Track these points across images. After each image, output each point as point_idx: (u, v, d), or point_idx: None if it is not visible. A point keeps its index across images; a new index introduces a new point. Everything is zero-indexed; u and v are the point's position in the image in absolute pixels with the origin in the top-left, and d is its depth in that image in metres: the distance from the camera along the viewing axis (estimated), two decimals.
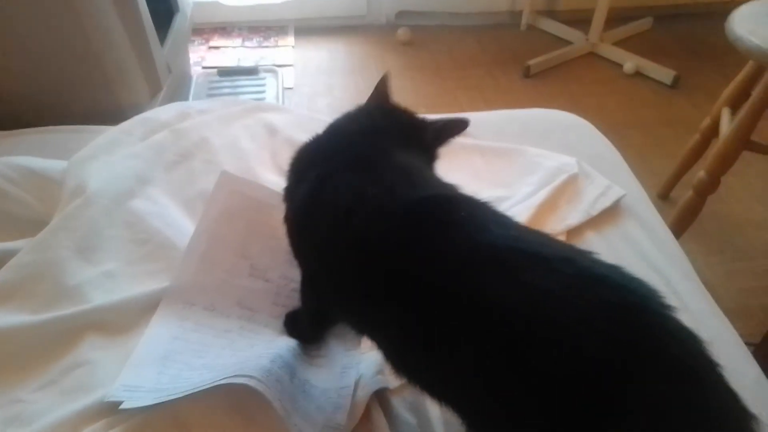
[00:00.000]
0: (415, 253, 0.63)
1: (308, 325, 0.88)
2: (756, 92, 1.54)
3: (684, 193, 1.74)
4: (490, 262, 0.59)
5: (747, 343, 0.93)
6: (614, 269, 0.58)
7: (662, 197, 2.02)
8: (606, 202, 1.10)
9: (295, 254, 0.81)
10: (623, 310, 0.54)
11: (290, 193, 0.81)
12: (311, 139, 0.84)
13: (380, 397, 0.82)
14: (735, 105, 1.72)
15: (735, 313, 1.02)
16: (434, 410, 0.81)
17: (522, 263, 0.57)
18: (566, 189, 1.11)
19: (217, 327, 0.88)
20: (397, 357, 0.69)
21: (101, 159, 1.08)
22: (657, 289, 0.57)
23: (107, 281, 0.91)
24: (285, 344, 0.84)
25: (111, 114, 1.38)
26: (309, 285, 0.83)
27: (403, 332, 0.65)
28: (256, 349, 0.82)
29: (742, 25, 1.47)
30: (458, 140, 1.24)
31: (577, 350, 0.53)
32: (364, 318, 0.73)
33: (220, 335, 0.87)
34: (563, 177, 1.12)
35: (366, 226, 0.65)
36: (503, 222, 0.65)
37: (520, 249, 0.59)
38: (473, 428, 0.64)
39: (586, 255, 0.60)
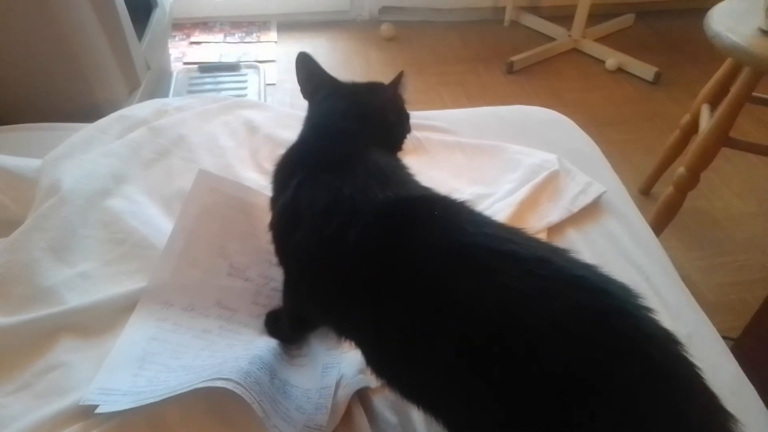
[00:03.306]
0: (388, 254, 0.62)
1: (289, 327, 0.87)
2: (734, 89, 1.55)
3: (665, 189, 1.75)
4: (464, 262, 0.58)
5: (725, 338, 0.94)
6: (590, 269, 0.58)
7: (643, 193, 2.04)
8: (586, 199, 1.10)
9: (279, 260, 0.81)
10: (599, 314, 0.53)
11: (275, 202, 0.80)
12: (291, 145, 0.83)
13: (361, 396, 0.81)
14: (714, 102, 1.74)
15: (714, 308, 1.03)
16: (415, 409, 0.81)
17: (496, 264, 0.57)
18: (547, 186, 1.11)
19: (196, 327, 0.87)
20: (376, 359, 0.69)
21: (76, 157, 1.06)
22: (634, 289, 0.57)
23: (83, 282, 0.90)
24: (265, 345, 0.83)
25: (87, 111, 1.36)
26: (291, 290, 0.82)
27: (380, 334, 0.65)
28: (235, 350, 0.82)
29: (721, 22, 1.49)
30: (439, 137, 1.25)
31: (552, 355, 0.52)
32: (342, 321, 0.73)
33: (199, 336, 0.86)
34: (544, 174, 1.12)
35: (341, 228, 0.65)
36: (478, 220, 0.65)
37: (494, 249, 0.58)
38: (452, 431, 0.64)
39: (561, 254, 0.60)
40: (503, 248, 0.58)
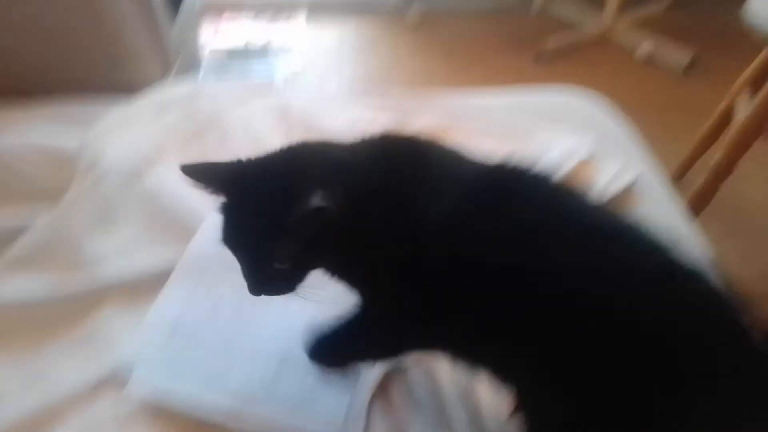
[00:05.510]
0: (487, 228, 0.63)
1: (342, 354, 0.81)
2: None
3: (698, 177, 1.72)
4: (557, 236, 0.60)
5: None
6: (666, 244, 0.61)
7: (676, 179, 2.00)
8: (620, 185, 1.09)
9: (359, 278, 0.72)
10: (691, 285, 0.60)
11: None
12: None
13: None
14: (752, 90, 1.70)
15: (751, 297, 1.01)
16: None
17: (591, 241, 0.60)
18: (579, 172, 1.10)
19: (227, 297, 0.88)
20: (469, 336, 0.67)
21: (115, 135, 1.09)
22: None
23: (122, 254, 0.93)
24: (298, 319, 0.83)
25: (121, 93, 1.38)
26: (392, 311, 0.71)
27: (477, 310, 0.63)
28: (262, 319, 0.85)
29: (760, 10, 1.45)
30: (469, 123, 1.24)
31: (649, 326, 0.56)
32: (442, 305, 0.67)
33: (229, 303, 0.87)
34: (576, 159, 1.11)
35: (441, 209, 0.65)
36: (562, 191, 0.68)
37: (581, 221, 0.62)
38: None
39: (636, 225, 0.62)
40: (587, 221, 0.62)
